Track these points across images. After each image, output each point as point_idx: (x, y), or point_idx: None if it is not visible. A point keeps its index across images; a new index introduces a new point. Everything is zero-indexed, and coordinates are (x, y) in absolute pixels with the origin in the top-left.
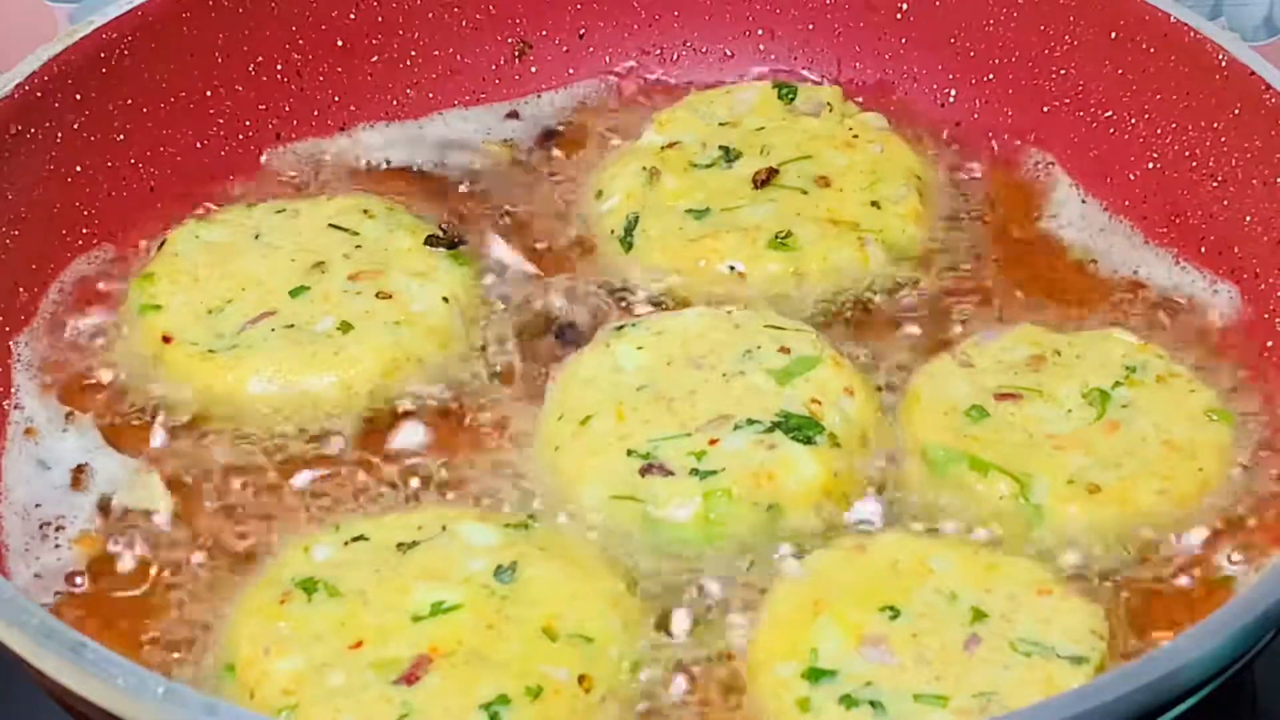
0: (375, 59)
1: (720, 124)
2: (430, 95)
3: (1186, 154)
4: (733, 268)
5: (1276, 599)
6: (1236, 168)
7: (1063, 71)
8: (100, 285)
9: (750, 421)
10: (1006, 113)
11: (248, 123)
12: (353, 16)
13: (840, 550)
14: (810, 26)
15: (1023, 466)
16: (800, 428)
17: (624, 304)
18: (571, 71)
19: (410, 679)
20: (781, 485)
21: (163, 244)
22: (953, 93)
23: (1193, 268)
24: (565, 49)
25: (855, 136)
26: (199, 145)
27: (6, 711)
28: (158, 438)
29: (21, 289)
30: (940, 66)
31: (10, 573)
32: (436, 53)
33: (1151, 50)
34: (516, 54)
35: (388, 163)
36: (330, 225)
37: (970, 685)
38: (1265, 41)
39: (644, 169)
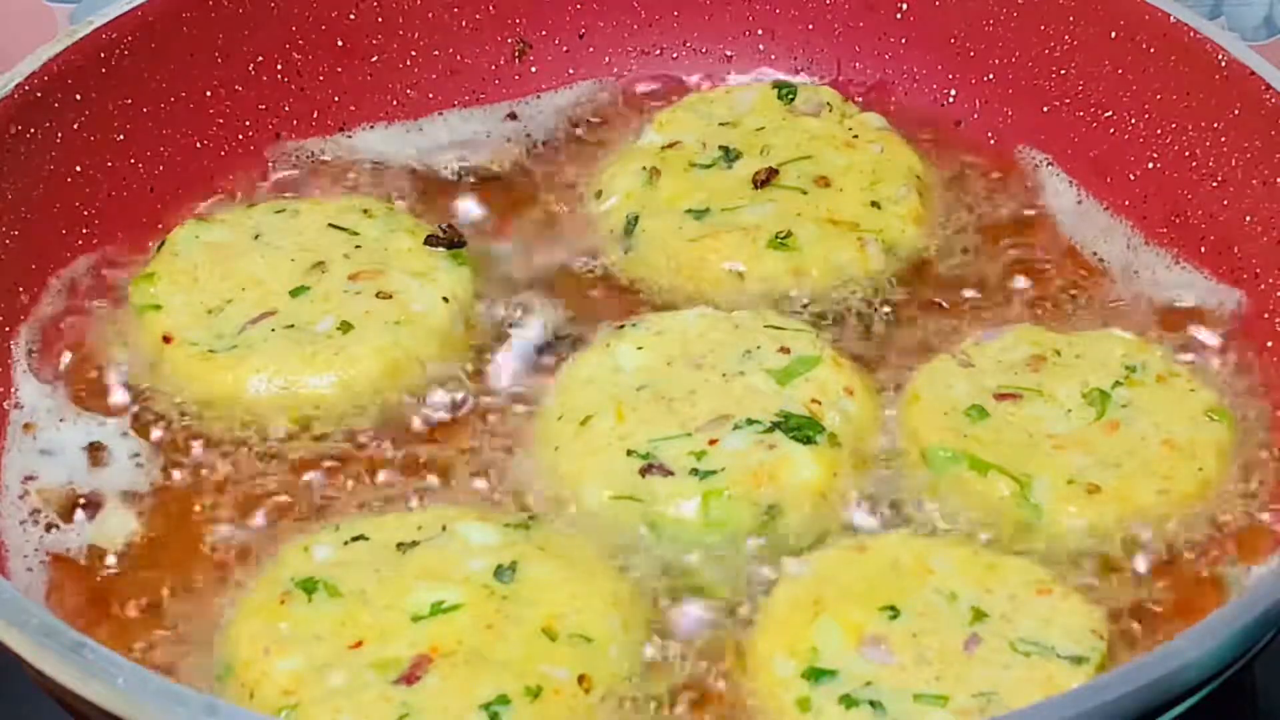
0: (375, 59)
1: (720, 124)
2: (430, 95)
3: (1186, 154)
4: (733, 268)
5: (1276, 599)
6: (1236, 168)
7: (1063, 71)
8: (100, 285)
9: (750, 421)
10: (1006, 113)
11: (248, 123)
12: (353, 16)
13: (840, 550)
14: (810, 26)
15: (1023, 466)
16: (800, 428)
17: (624, 304)
18: (571, 71)
19: (410, 679)
20: (781, 485)
21: (163, 244)
22: (953, 93)
23: (1193, 268)
24: (565, 49)
25: (855, 136)
26: (199, 145)
27: (6, 712)
28: (157, 437)
29: (21, 289)
30: (940, 66)
31: (10, 572)
32: (436, 53)
33: (1151, 50)
34: (516, 54)
35: (388, 163)
36: (330, 225)
37: (970, 685)
38: (1265, 41)
39: (644, 169)
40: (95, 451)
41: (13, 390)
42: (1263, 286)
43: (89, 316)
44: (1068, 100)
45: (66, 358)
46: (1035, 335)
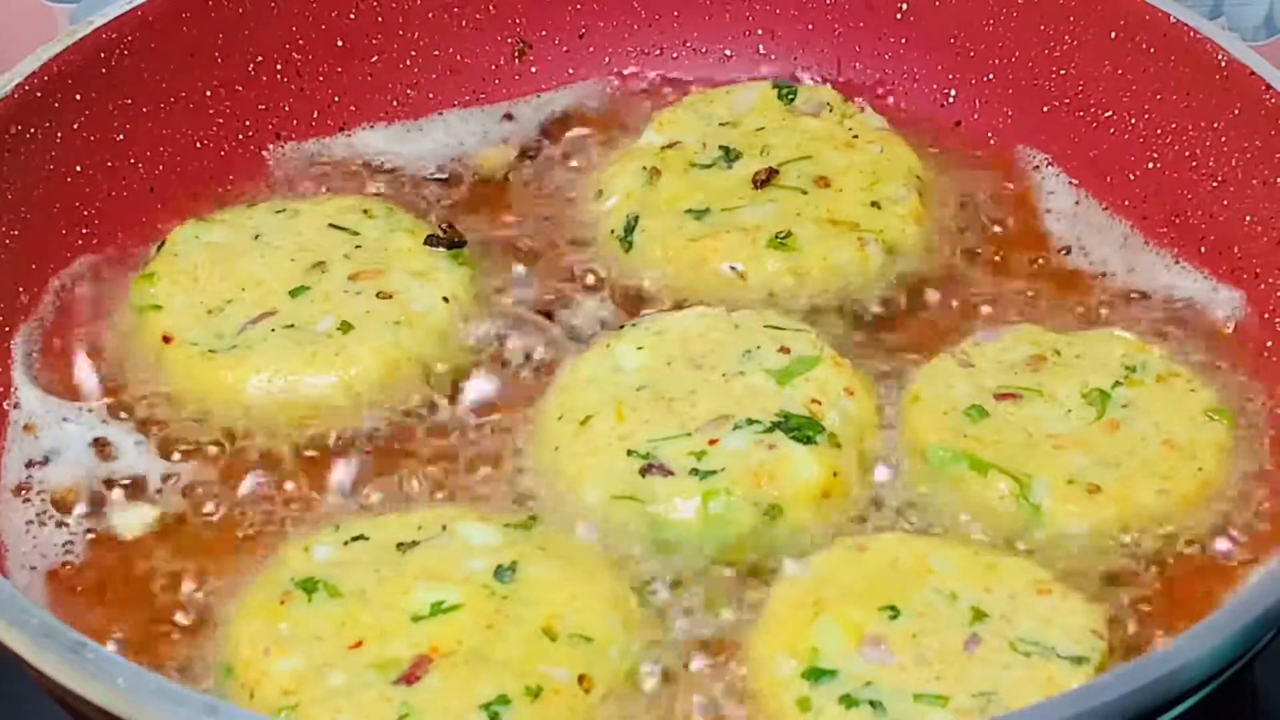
0: (375, 59)
1: (720, 124)
2: (430, 95)
3: (1186, 154)
4: (733, 268)
5: (1276, 599)
6: (1236, 168)
7: (1063, 71)
8: (100, 285)
9: (750, 421)
10: (1006, 113)
11: (248, 123)
12: (353, 16)
13: (840, 550)
14: (810, 26)
15: (1023, 466)
16: (800, 428)
17: (624, 304)
18: (571, 71)
19: (410, 679)
20: (781, 485)
21: (163, 244)
22: (953, 93)
23: (1193, 268)
24: (565, 49)
25: (855, 136)
26: (199, 145)
27: (6, 712)
28: (156, 437)
29: (21, 289)
30: (940, 66)
31: (10, 572)
32: (436, 53)
33: (1151, 50)
34: (516, 54)
35: (388, 163)
36: (330, 225)
37: (970, 685)
38: (1265, 41)
39: (644, 169)
40: (95, 452)
41: (12, 390)
42: (1263, 286)
43: (89, 317)
44: (1068, 100)
45: (66, 358)
46: (1035, 335)
